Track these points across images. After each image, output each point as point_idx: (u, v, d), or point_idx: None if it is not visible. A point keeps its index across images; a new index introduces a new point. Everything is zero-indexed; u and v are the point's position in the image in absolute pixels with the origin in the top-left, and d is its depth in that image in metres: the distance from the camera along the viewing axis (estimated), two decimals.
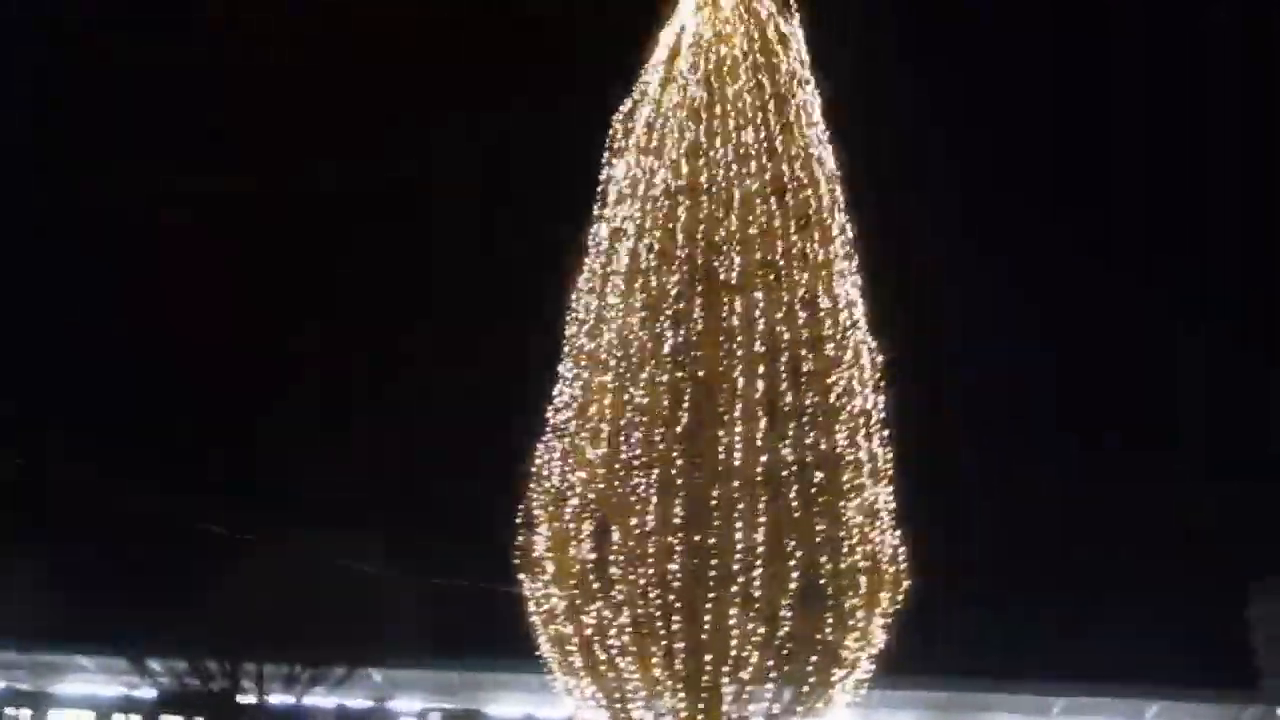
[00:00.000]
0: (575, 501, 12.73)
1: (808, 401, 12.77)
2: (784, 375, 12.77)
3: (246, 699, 35.57)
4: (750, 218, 13.81)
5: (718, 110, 14.71)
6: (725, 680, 11.83)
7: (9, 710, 46.07)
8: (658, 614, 11.68)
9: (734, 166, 14.18)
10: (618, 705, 12.55)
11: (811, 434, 12.64)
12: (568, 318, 14.57)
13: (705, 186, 14.00)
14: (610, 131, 15.84)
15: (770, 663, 11.90)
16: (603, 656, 12.17)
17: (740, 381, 12.58)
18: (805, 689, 12.32)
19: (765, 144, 14.62)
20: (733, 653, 11.59)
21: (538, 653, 13.47)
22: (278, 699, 34.64)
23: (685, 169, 14.35)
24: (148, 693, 43.46)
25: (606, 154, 15.67)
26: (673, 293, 13.28)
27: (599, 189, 15.43)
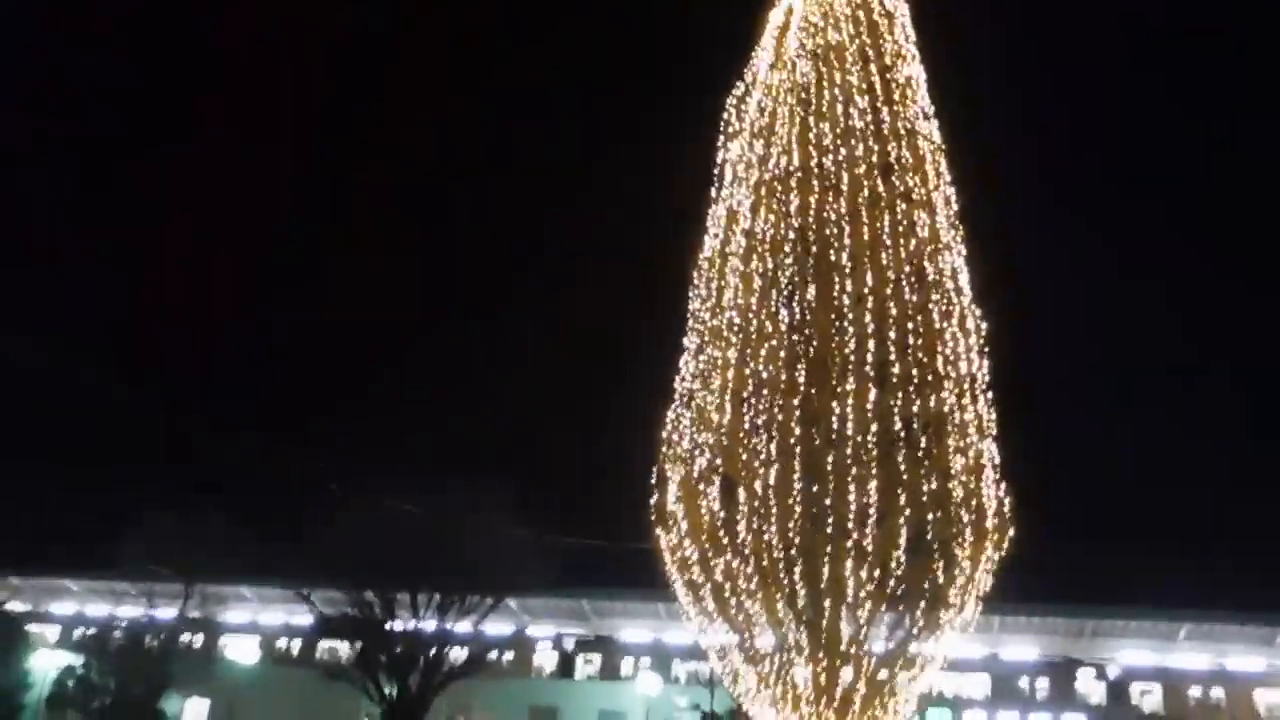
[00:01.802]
0: (703, 463, 14.19)
1: (914, 369, 13.79)
2: (892, 345, 13.82)
3: (399, 625, 38.79)
4: (859, 197, 14.73)
5: (825, 94, 15.54)
6: (842, 621, 13.24)
7: (184, 636, 51.33)
8: (780, 563, 13.12)
9: (841, 149, 15.06)
10: (745, 637, 14.13)
11: (918, 400, 13.69)
12: (691, 294, 15.88)
13: (814, 169, 14.95)
14: (724, 115, 16.85)
15: (883, 606, 13.23)
16: (731, 600, 13.74)
17: (851, 352, 13.72)
18: (915, 630, 13.64)
19: (871, 124, 15.40)
20: (849, 598, 12.97)
21: (664, 586, 15.14)
22: (428, 625, 37.81)
23: (796, 151, 15.32)
24: (307, 619, 47.78)
25: (722, 137, 16.71)
26: (787, 272, 14.42)
27: (715, 171, 16.54)
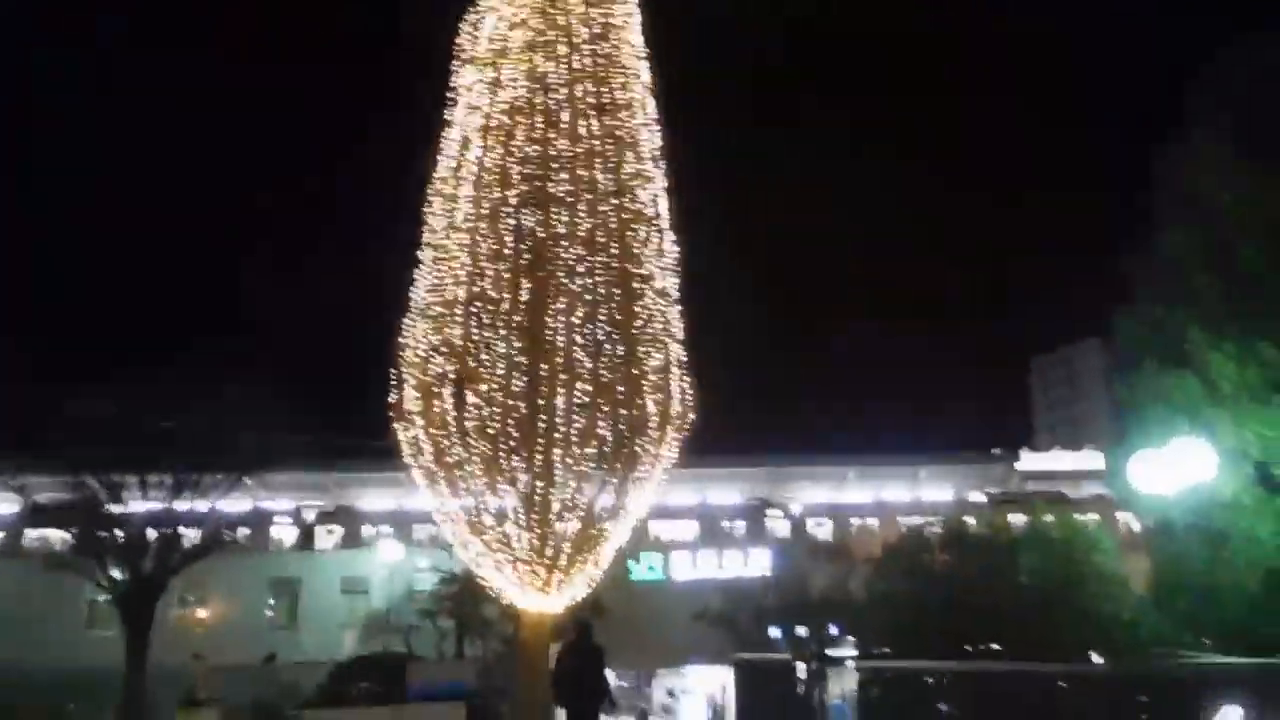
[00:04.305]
0: (436, 368, 16.31)
1: (616, 288, 16.55)
2: (599, 267, 16.44)
3: (120, 508, 37.64)
4: (577, 135, 16.85)
5: (549, 35, 17.27)
6: (552, 494, 16.21)
7: None
8: (503, 454, 15.75)
9: (564, 89, 16.99)
10: (471, 510, 16.77)
11: (619, 312, 16.52)
12: (426, 211, 17.47)
13: (539, 106, 16.84)
14: (458, 39, 18.07)
15: (584, 481, 16.33)
16: (460, 483, 16.27)
17: (564, 275, 16.20)
18: (612, 495, 16.92)
19: (593, 65, 17.39)
20: (557, 479, 15.94)
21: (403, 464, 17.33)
22: (156, 506, 37.16)
23: (522, 87, 17.07)
24: (9, 507, 44.87)
25: (456, 61, 17.97)
26: (512, 200, 16.45)
27: (450, 93, 17.89)
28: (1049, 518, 28.75)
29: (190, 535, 37.78)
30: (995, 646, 23.20)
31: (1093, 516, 46.88)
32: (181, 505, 36.99)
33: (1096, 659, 21.43)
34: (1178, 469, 19.87)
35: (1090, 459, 64.25)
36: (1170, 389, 24.38)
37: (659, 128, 18.05)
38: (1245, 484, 23.01)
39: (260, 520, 50.55)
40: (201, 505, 37.61)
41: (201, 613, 47.02)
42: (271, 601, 48.79)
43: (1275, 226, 23.29)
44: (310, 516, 54.18)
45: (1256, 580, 22.59)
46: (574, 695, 16.35)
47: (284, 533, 53.88)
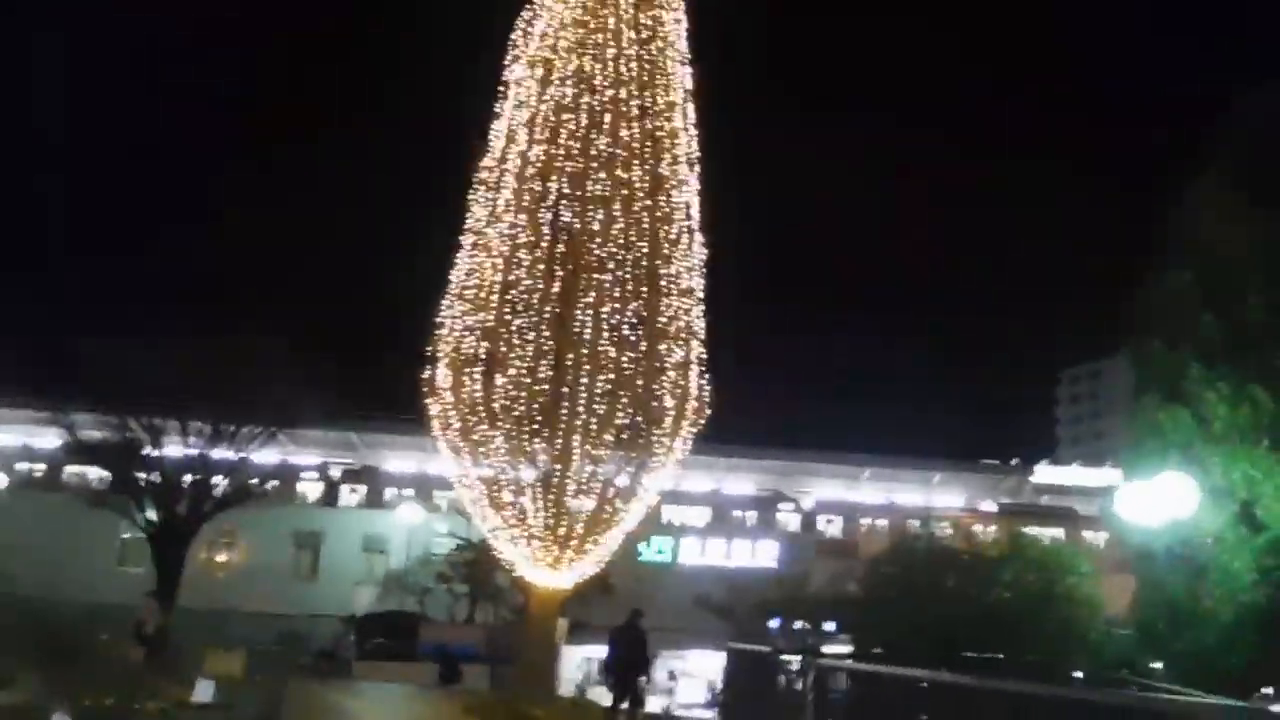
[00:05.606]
0: (469, 348, 17.27)
1: (645, 285, 17.39)
2: (629, 267, 17.29)
3: (154, 451, 39.03)
4: (618, 137, 17.64)
5: (598, 37, 18.04)
6: (569, 475, 17.15)
7: None
8: (525, 435, 16.71)
9: (609, 90, 17.76)
10: (492, 488, 17.74)
11: (646, 309, 17.37)
12: (470, 199, 18.37)
13: (584, 106, 17.63)
14: (512, 36, 18.89)
15: (600, 465, 17.23)
16: (484, 460, 17.25)
17: (595, 269, 17.07)
18: (629, 477, 17.83)
19: (636, 69, 18.15)
20: (575, 461, 16.87)
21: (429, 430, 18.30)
22: (192, 453, 38.56)
23: (569, 86, 17.87)
24: (50, 441, 46.37)
25: (509, 58, 18.80)
26: (552, 195, 17.30)
27: (500, 88, 18.73)
28: (1052, 532, 29.30)
29: (222, 483, 39.16)
30: (998, 656, 23.85)
31: (1102, 534, 47.26)
32: (216, 453, 38.44)
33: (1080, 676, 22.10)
34: (1162, 502, 20.42)
35: (1109, 476, 64.15)
36: (1165, 423, 24.76)
37: (695, 132, 18.78)
38: (1228, 520, 23.44)
39: (288, 474, 51.76)
40: (234, 455, 39.03)
41: (227, 559, 48.51)
42: (294, 553, 50.26)
43: (1276, 275, 23.57)
44: (336, 474, 55.47)
45: (1229, 612, 23.09)
46: (621, 670, 17.96)
47: (310, 488, 55.22)
